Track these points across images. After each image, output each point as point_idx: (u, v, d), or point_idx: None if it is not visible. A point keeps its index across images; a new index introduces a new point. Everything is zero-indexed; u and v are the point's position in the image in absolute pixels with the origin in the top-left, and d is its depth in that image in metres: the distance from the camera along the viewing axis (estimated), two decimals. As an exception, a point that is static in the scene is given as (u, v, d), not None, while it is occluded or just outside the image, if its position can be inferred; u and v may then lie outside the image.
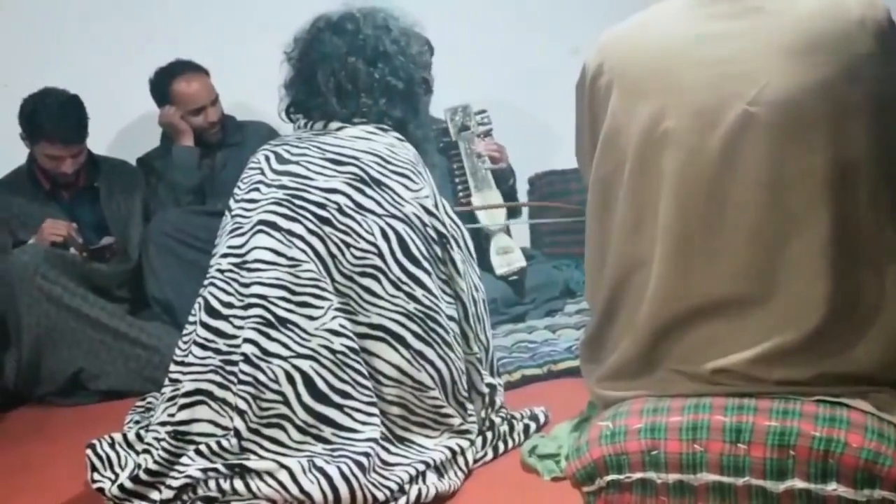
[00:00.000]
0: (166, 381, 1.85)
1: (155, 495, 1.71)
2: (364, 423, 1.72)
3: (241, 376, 1.71)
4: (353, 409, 1.72)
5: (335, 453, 1.68)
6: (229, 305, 1.79)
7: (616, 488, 1.31)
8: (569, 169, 3.29)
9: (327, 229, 1.80)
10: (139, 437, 1.89)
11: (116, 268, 2.89)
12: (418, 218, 1.85)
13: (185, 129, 3.08)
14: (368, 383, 1.75)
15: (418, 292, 1.81)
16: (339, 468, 1.63)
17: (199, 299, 1.85)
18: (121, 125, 3.38)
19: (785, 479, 1.22)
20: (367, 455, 1.66)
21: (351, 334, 1.76)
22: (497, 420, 1.95)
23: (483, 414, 1.93)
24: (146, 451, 1.78)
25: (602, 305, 1.43)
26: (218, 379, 1.76)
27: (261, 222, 1.82)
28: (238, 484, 1.64)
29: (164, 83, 3.09)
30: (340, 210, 1.81)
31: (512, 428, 1.95)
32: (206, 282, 1.86)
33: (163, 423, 1.78)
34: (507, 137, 3.18)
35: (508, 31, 3.55)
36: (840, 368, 1.26)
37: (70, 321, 2.62)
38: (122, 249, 2.92)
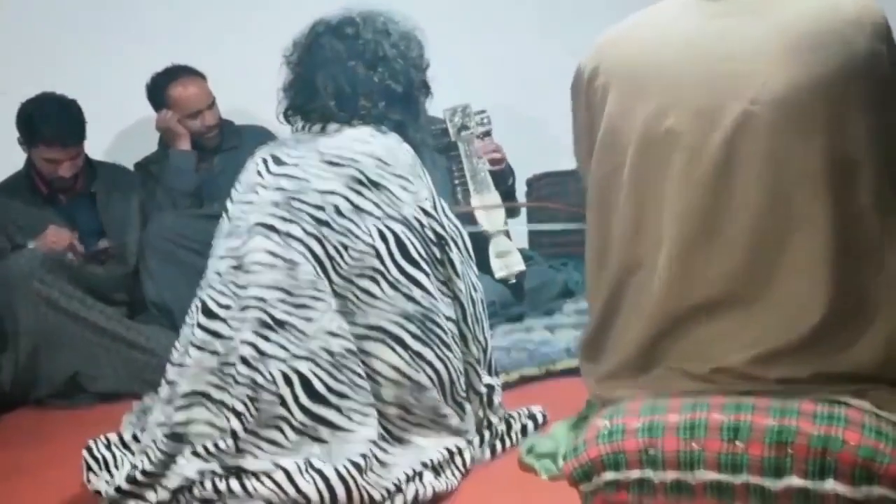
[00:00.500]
0: (163, 383, 1.85)
1: (151, 496, 1.71)
2: (361, 424, 1.72)
3: (239, 378, 1.71)
4: (350, 409, 1.72)
5: (332, 454, 1.68)
6: (227, 307, 1.79)
7: (613, 487, 1.31)
8: (567, 170, 3.29)
9: (325, 231, 1.80)
10: (136, 439, 1.89)
11: (114, 271, 2.89)
12: (417, 219, 1.85)
13: (183, 133, 3.08)
14: (366, 384, 1.75)
15: (416, 293, 1.81)
16: (335, 468, 1.63)
17: (196, 301, 1.85)
18: (118, 130, 3.38)
19: (783, 477, 1.21)
20: (364, 455, 1.66)
21: (349, 336, 1.76)
22: (495, 420, 1.95)
23: (481, 414, 1.93)
24: (143, 453, 1.78)
25: (602, 306, 1.42)
26: (215, 380, 1.76)
27: (258, 224, 1.82)
28: (234, 484, 1.64)
29: (160, 87, 3.09)
30: (338, 212, 1.81)
31: (510, 427, 1.95)
32: (203, 284, 1.86)
33: (160, 425, 1.78)
34: (504, 139, 3.18)
35: (506, 33, 3.55)
36: (839, 368, 1.26)
37: (67, 324, 2.62)
38: (119, 253, 2.92)
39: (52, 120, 2.82)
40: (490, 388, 1.96)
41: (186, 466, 1.67)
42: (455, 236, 1.94)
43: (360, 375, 1.75)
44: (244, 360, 1.71)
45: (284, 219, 1.81)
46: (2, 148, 2.96)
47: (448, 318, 1.86)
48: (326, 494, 1.61)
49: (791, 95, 1.24)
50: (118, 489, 1.72)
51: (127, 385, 2.57)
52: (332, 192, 1.83)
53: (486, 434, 1.91)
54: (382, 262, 1.80)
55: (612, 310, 1.41)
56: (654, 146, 1.32)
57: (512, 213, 3.13)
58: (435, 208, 1.90)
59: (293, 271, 1.77)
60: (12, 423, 2.53)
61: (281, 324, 1.74)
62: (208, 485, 1.65)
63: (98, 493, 1.75)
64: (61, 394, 2.62)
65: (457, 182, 3.06)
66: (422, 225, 1.85)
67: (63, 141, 2.84)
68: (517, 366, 2.36)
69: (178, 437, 1.73)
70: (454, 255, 1.90)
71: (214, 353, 1.77)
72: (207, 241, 2.00)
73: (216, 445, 1.68)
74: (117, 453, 1.86)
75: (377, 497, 1.64)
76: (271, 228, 1.80)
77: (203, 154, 3.12)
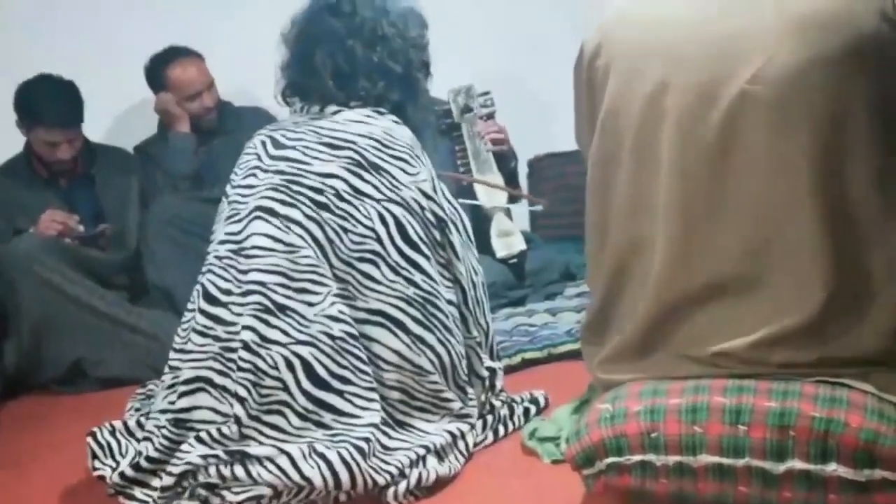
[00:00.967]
0: (166, 369, 1.84)
1: (156, 482, 1.71)
2: (364, 409, 1.72)
3: (241, 363, 1.71)
4: (353, 394, 1.72)
5: (335, 439, 1.68)
6: (228, 292, 1.79)
7: (615, 471, 1.31)
8: (568, 151, 3.27)
9: (325, 214, 1.79)
10: (140, 425, 1.89)
11: (115, 255, 2.89)
12: (416, 202, 1.84)
13: (182, 115, 3.07)
14: (368, 369, 1.75)
15: (417, 277, 1.80)
16: (339, 453, 1.63)
17: (198, 286, 1.84)
18: (117, 113, 3.37)
19: (785, 460, 1.22)
20: (367, 440, 1.66)
21: (350, 320, 1.75)
22: (497, 404, 1.95)
23: (483, 398, 1.93)
24: (147, 439, 1.79)
25: (603, 288, 1.42)
26: (217, 366, 1.76)
27: (258, 208, 1.81)
28: (238, 470, 1.64)
29: (159, 69, 3.08)
30: (338, 195, 1.80)
31: (512, 411, 1.95)
32: (204, 269, 1.86)
33: (163, 411, 1.78)
34: (506, 121, 3.16)
35: (511, 13, 3.52)
36: (841, 351, 1.26)
37: (69, 309, 2.62)
38: (117, 236, 2.91)
39: (50, 102, 2.81)
40: (492, 371, 1.96)
41: (191, 452, 1.67)
42: (455, 219, 1.93)
43: (362, 360, 1.74)
44: (246, 346, 1.71)
45: (284, 202, 1.80)
46: (0, 131, 2.94)
47: (449, 302, 1.85)
48: (330, 479, 1.61)
49: (792, 76, 1.23)
50: (123, 475, 1.73)
51: (130, 370, 2.57)
52: (331, 175, 1.82)
53: (489, 418, 1.91)
54: (383, 246, 1.79)
55: (613, 292, 1.41)
56: (653, 125, 1.31)
57: (513, 198, 3.12)
58: (435, 190, 1.89)
59: (293, 255, 1.76)
60: (16, 410, 2.53)
61: (282, 308, 1.73)
62: (213, 470, 1.65)
63: (102, 479, 1.75)
64: (64, 379, 2.62)
65: (459, 163, 3.05)
66: (422, 207, 1.84)
67: (61, 123, 2.83)
68: (519, 349, 2.36)
69: (181, 424, 1.74)
70: (454, 237, 1.89)
71: (216, 338, 1.77)
72: (208, 225, 1.99)
73: (220, 431, 1.69)
74: (122, 440, 1.87)
75: (381, 481, 1.64)
76: (271, 212, 1.80)
77: (202, 136, 3.11)
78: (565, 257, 3.00)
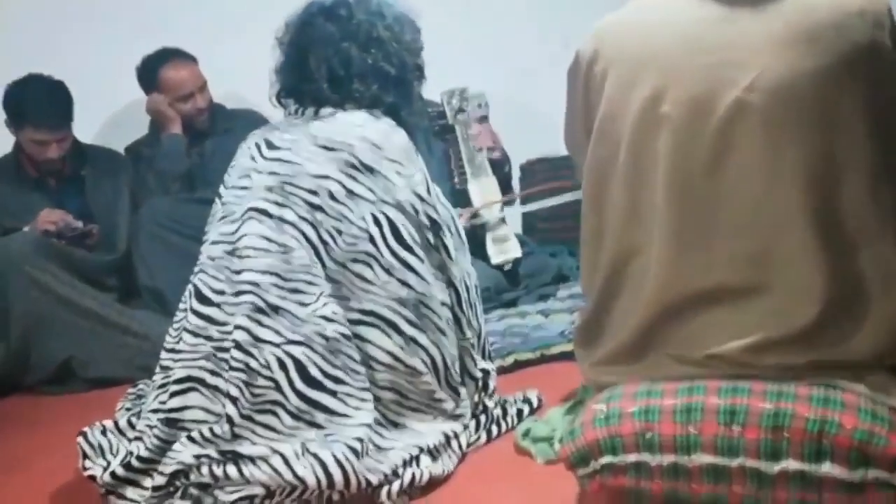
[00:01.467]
0: (157, 369, 1.84)
1: (147, 482, 1.70)
2: (357, 409, 1.72)
3: (233, 363, 1.70)
4: (346, 394, 1.72)
5: (329, 439, 1.67)
6: (220, 293, 1.79)
7: (610, 471, 1.31)
8: (560, 156, 3.28)
9: (319, 216, 1.79)
10: (131, 425, 1.88)
11: (105, 256, 2.88)
12: (410, 204, 1.84)
13: (174, 116, 3.06)
14: (361, 369, 1.75)
15: (411, 278, 1.80)
16: (332, 453, 1.63)
17: (190, 286, 1.84)
18: (108, 113, 3.35)
19: (779, 461, 1.22)
20: (360, 440, 1.66)
21: (343, 320, 1.75)
22: (490, 404, 1.95)
23: (476, 398, 1.94)
24: (138, 439, 1.78)
25: (598, 291, 1.43)
26: (209, 366, 1.75)
27: (252, 209, 1.81)
28: (231, 469, 1.64)
29: (151, 70, 3.07)
30: (332, 196, 1.80)
31: (505, 412, 1.95)
32: (196, 269, 1.85)
33: (154, 411, 1.78)
34: (499, 124, 3.17)
35: (502, 19, 3.53)
36: (835, 357, 1.27)
37: (59, 309, 2.61)
38: (103, 236, 2.89)
39: (39, 101, 2.80)
40: (485, 372, 1.97)
41: (183, 452, 1.67)
42: (449, 221, 1.93)
43: (355, 360, 1.74)
44: (238, 345, 1.71)
45: (278, 203, 1.80)
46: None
47: (442, 304, 1.85)
48: (324, 479, 1.61)
49: (787, 85, 1.24)
50: (114, 475, 1.72)
51: (120, 371, 2.57)
52: (325, 177, 1.82)
53: (482, 418, 1.91)
54: (376, 247, 1.79)
55: (607, 295, 1.41)
56: (649, 132, 1.32)
57: (509, 203, 3.13)
58: (429, 193, 1.89)
59: (287, 256, 1.76)
60: (4, 410, 2.51)
61: (275, 308, 1.73)
62: (205, 470, 1.64)
63: (93, 479, 1.74)
64: (54, 380, 2.61)
65: (453, 165, 3.05)
66: (416, 210, 1.85)
67: (50, 122, 2.82)
68: (511, 350, 2.36)
69: (173, 423, 1.73)
70: (448, 240, 1.90)
71: (209, 338, 1.77)
72: (200, 226, 1.99)
73: (212, 431, 1.68)
74: (113, 439, 1.86)
75: (374, 481, 1.64)
76: (265, 213, 1.79)
77: (194, 138, 3.10)
78: (558, 260, 3.01)
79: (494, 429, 1.91)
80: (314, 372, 1.71)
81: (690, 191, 1.29)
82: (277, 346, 1.71)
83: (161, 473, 1.67)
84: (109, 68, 3.15)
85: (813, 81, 1.23)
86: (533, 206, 3.14)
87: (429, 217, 1.87)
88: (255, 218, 1.79)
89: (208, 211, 1.96)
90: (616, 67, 1.36)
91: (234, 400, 1.69)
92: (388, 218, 1.81)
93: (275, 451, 1.65)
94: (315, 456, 1.63)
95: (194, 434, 1.69)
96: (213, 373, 1.75)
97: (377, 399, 1.77)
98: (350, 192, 1.81)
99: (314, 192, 1.80)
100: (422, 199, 1.86)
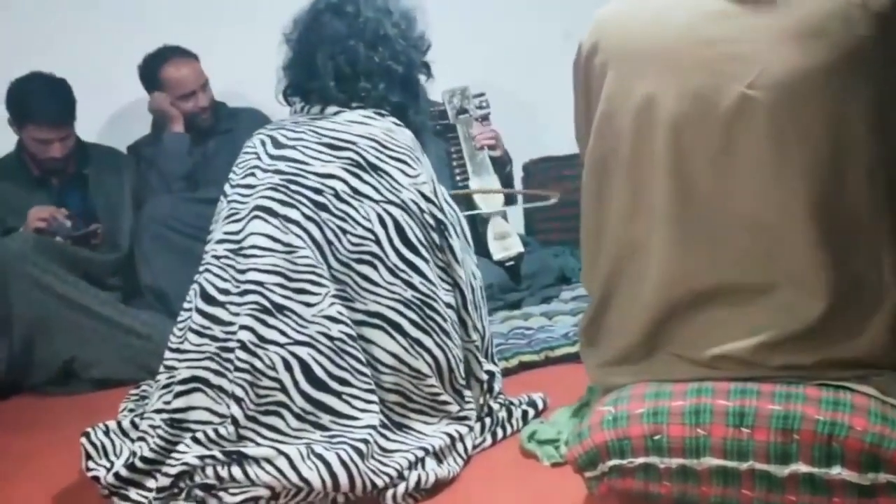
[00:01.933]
0: (161, 369, 1.83)
1: (151, 483, 1.69)
2: (363, 411, 1.71)
3: (238, 363, 1.70)
4: (351, 396, 1.71)
5: (334, 440, 1.67)
6: (225, 292, 1.78)
7: (618, 473, 1.31)
8: (563, 156, 3.28)
9: (324, 215, 1.78)
10: (134, 425, 1.87)
11: (108, 255, 2.87)
12: (416, 204, 1.83)
13: (176, 114, 3.05)
14: (367, 370, 1.74)
15: (416, 280, 1.80)
16: (338, 455, 1.62)
17: (195, 286, 1.83)
18: (111, 112, 3.35)
19: (789, 464, 1.22)
20: (365, 442, 1.65)
21: (348, 321, 1.74)
22: (495, 406, 1.94)
23: (481, 400, 1.93)
24: (141, 439, 1.77)
25: (599, 290, 1.42)
26: (214, 366, 1.74)
27: (257, 208, 1.80)
28: (236, 471, 1.63)
29: (153, 69, 3.06)
30: (337, 196, 1.79)
31: (510, 414, 1.94)
32: (201, 268, 1.84)
33: (158, 411, 1.77)
34: (501, 124, 3.16)
35: (504, 17, 3.53)
36: (842, 355, 1.26)
37: (62, 309, 2.60)
38: (107, 235, 2.89)
39: (41, 99, 2.80)
40: (490, 374, 1.96)
41: (187, 453, 1.66)
42: (454, 222, 1.92)
43: (361, 361, 1.73)
44: (243, 346, 1.70)
45: (283, 202, 1.79)
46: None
47: (447, 305, 1.84)
48: (329, 481, 1.60)
49: (791, 80, 1.23)
50: (117, 476, 1.71)
51: (123, 371, 2.56)
52: (331, 176, 1.81)
53: (487, 421, 1.91)
54: (381, 248, 1.78)
55: (609, 293, 1.41)
56: (650, 128, 1.31)
57: (510, 200, 3.12)
58: (434, 193, 1.88)
59: (292, 255, 1.75)
60: (8, 411, 2.51)
61: (280, 308, 1.72)
62: (209, 471, 1.63)
63: (97, 480, 1.73)
64: (57, 380, 2.60)
65: (455, 165, 3.05)
66: (421, 210, 1.84)
67: (53, 120, 2.81)
68: (516, 352, 2.35)
69: (177, 424, 1.72)
70: (454, 240, 1.89)
71: (213, 338, 1.76)
72: (203, 226, 1.99)
73: (217, 432, 1.67)
74: (116, 440, 1.85)
75: (379, 483, 1.63)
76: (270, 212, 1.79)
77: (198, 137, 3.09)
78: (560, 261, 3.01)
79: (500, 431, 1.90)
80: (319, 373, 1.70)
81: (695, 187, 1.29)
82: (282, 346, 1.70)
83: (165, 475, 1.66)
84: (111, 67, 3.15)
85: (817, 76, 1.22)
86: (537, 204, 3.13)
87: (434, 217, 1.86)
88: (261, 217, 1.79)
89: (211, 210, 1.95)
90: (616, 62, 1.34)
91: (238, 401, 1.68)
92: (393, 218, 1.80)
93: (280, 453, 1.64)
94: (320, 458, 1.62)
95: (199, 435, 1.68)
96: (217, 373, 1.74)
97: (382, 401, 1.76)
98: (355, 192, 1.80)
99: (319, 191, 1.79)
100: (427, 199, 1.85)
